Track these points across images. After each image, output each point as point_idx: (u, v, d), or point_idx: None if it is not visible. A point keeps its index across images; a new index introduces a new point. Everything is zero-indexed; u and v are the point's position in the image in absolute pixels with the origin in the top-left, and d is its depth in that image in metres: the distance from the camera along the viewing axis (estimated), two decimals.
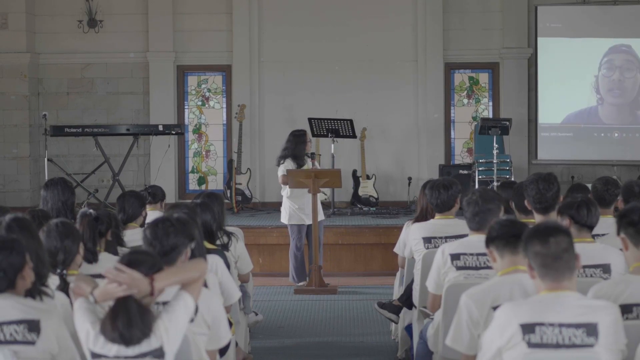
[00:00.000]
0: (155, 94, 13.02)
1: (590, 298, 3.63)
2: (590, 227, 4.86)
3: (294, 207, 9.54)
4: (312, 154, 9.98)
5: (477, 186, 11.41)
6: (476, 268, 4.98)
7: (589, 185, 6.32)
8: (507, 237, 4.09)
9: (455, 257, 5.03)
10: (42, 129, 11.88)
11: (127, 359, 3.41)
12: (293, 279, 9.62)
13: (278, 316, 8.44)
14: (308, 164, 9.70)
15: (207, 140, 13.31)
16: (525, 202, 5.44)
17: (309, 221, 9.51)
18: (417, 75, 12.95)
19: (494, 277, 4.18)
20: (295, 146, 9.64)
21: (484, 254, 4.63)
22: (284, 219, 9.67)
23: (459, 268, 5.01)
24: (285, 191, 9.60)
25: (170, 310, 3.48)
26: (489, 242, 4.17)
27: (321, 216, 9.61)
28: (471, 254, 5.00)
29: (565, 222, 4.81)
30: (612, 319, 3.49)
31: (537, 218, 5.35)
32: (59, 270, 4.26)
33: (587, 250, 4.67)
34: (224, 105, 13.26)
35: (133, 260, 3.49)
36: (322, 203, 11.61)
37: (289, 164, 9.55)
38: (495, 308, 3.94)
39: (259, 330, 7.64)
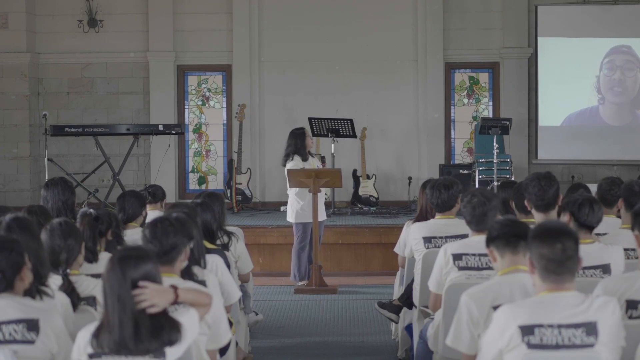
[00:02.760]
0: (156, 93, 13.02)
1: (589, 295, 3.61)
2: (590, 227, 4.84)
3: (300, 205, 9.52)
4: (322, 157, 9.95)
5: (477, 186, 11.42)
6: (478, 269, 4.97)
7: (590, 185, 6.32)
8: (507, 237, 4.08)
9: (457, 257, 5.02)
10: (43, 129, 11.88)
11: (127, 357, 3.40)
12: (294, 277, 9.60)
13: (278, 316, 8.44)
14: (314, 163, 9.72)
15: (207, 140, 13.31)
16: (525, 202, 5.43)
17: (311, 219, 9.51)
18: (418, 75, 12.95)
19: (495, 277, 4.18)
20: (297, 141, 9.65)
21: (486, 255, 4.61)
22: (291, 217, 9.65)
23: (461, 268, 5.00)
24: (293, 189, 9.56)
25: (179, 317, 3.48)
26: (489, 242, 4.16)
27: (323, 216, 9.61)
28: (473, 255, 4.99)
29: (565, 217, 4.79)
30: (611, 315, 3.49)
31: (537, 217, 5.34)
32: (61, 270, 4.26)
33: (586, 251, 4.67)
34: (224, 105, 13.27)
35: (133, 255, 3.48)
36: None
37: (297, 161, 9.56)
38: (495, 308, 3.93)
39: (259, 330, 7.64)
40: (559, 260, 3.46)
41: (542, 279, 3.50)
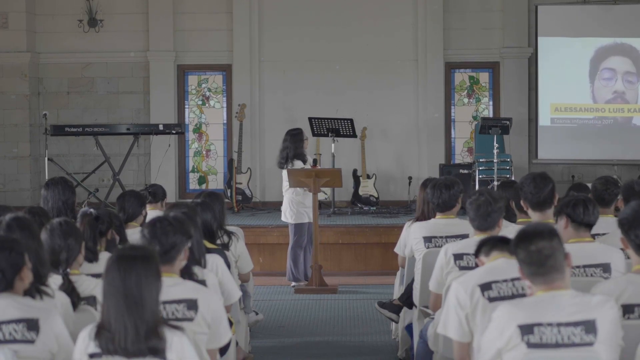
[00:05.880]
0: (156, 93, 13.02)
1: (586, 294, 3.62)
2: (588, 225, 4.83)
3: (300, 205, 9.48)
4: (315, 160, 9.97)
5: (477, 186, 11.42)
6: None
7: (590, 185, 6.31)
8: (504, 239, 4.17)
9: (458, 257, 5.03)
10: (43, 129, 11.88)
11: (129, 358, 3.38)
12: (291, 278, 9.56)
13: (278, 316, 8.44)
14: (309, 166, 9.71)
15: (207, 140, 13.31)
16: (522, 202, 5.43)
17: (308, 219, 9.50)
18: (418, 74, 12.95)
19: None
20: (295, 144, 9.64)
21: None
22: (290, 218, 9.58)
23: (462, 268, 5.00)
24: (295, 190, 9.52)
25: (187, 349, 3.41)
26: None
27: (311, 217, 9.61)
28: (474, 255, 4.99)
29: (562, 221, 4.79)
30: (609, 313, 3.49)
31: (533, 217, 5.33)
32: (61, 270, 4.26)
33: (586, 249, 4.68)
34: (225, 105, 13.27)
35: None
36: (323, 202, 11.62)
37: (298, 165, 9.54)
38: (482, 286, 3.98)
39: (260, 330, 7.65)
40: (538, 261, 3.47)
41: (531, 282, 3.52)
